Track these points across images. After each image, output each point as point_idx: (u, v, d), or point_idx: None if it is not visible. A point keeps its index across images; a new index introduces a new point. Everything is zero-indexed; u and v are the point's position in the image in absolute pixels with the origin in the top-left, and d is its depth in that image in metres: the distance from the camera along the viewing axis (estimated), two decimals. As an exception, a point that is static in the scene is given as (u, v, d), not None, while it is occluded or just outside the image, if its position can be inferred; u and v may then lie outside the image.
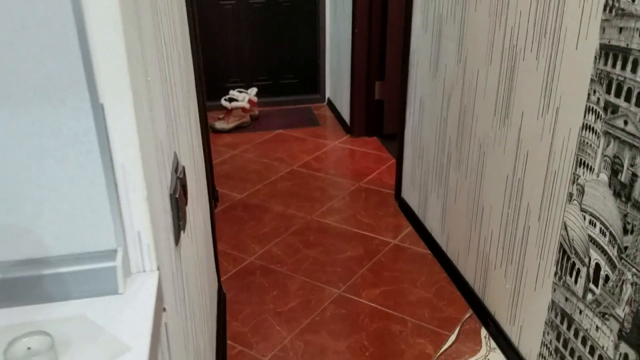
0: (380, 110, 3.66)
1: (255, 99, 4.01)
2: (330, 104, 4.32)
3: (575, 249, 1.44)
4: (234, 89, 4.01)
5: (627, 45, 1.19)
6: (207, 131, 2.75)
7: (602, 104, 1.28)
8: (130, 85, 0.55)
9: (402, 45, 2.55)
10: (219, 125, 3.84)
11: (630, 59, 1.19)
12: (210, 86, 4.21)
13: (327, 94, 4.40)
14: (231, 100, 3.91)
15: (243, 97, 3.90)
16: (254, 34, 4.11)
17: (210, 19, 3.98)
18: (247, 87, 4.23)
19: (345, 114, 3.86)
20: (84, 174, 0.57)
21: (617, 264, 1.29)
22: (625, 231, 1.25)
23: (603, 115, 1.29)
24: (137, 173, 0.58)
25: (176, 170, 0.90)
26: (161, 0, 0.95)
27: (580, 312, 1.44)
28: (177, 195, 0.82)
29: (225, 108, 3.91)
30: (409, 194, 2.70)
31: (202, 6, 3.91)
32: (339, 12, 3.79)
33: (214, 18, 3.98)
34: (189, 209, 1.21)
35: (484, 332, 1.96)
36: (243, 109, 3.91)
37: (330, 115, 4.20)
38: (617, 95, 1.24)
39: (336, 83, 4.08)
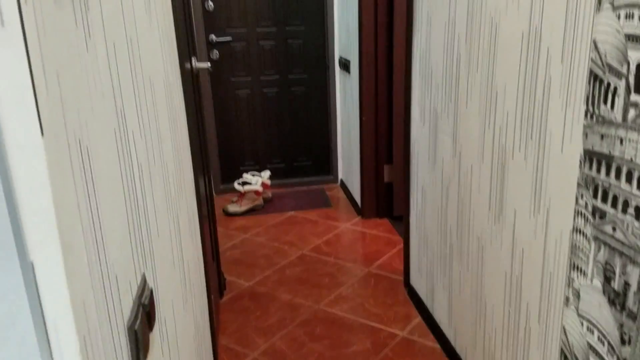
0: (390, 193, 3.66)
1: (268, 182, 4.06)
2: (343, 185, 4.35)
3: (576, 356, 1.36)
4: (247, 172, 4.08)
5: (610, 152, 1.18)
6: (214, 223, 2.78)
7: (590, 208, 1.26)
8: (60, 243, 0.56)
9: (403, 135, 2.58)
10: (232, 208, 3.88)
11: (614, 166, 1.17)
12: (226, 170, 4.30)
13: (340, 175, 4.44)
14: (244, 183, 3.97)
15: (256, 181, 3.96)
16: (268, 119, 4.23)
17: (226, 107, 4.12)
18: (261, 170, 4.30)
19: (357, 196, 3.87)
20: (15, 332, 0.57)
21: (618, 377, 1.21)
22: (623, 342, 1.19)
23: (592, 220, 1.25)
24: (69, 328, 0.58)
25: (141, 295, 0.89)
26: (133, 118, 0.99)
27: None
28: (136, 327, 0.82)
29: (238, 191, 3.96)
30: (417, 282, 2.64)
31: (219, 95, 4.07)
32: (347, 99, 3.89)
33: (230, 106, 4.13)
34: (170, 323, 1.19)
35: None
36: (256, 192, 3.96)
37: (342, 197, 4.21)
38: (604, 200, 1.21)
39: (348, 165, 4.12)
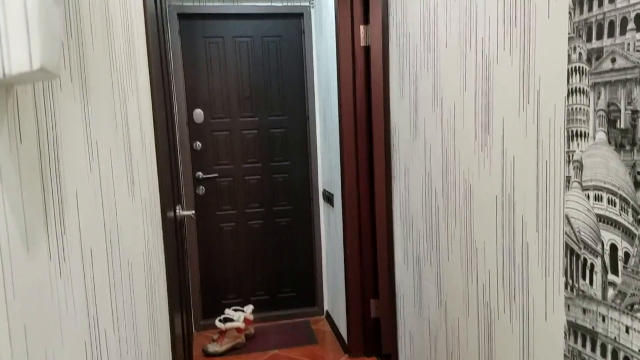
0: (378, 329, 3.55)
1: (251, 317, 3.94)
2: (329, 317, 4.23)
3: None
4: (230, 308, 3.97)
5: (593, 328, 1.16)
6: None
7: (580, 384, 1.22)
8: None
9: (387, 279, 2.56)
10: (212, 348, 3.72)
11: (599, 342, 1.15)
12: (208, 304, 4.18)
13: (326, 307, 4.33)
14: (226, 320, 3.84)
15: (238, 316, 3.83)
16: (252, 252, 4.21)
17: (211, 241, 4.11)
18: (244, 304, 4.19)
19: (343, 331, 3.75)
20: None
21: None
22: None
23: (584, 398, 1.21)
24: None
25: None
26: (106, 316, 0.96)
27: None
28: None
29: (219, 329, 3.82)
30: None
31: (203, 230, 4.07)
32: (332, 232, 3.92)
33: (215, 240, 4.12)
34: None
35: None
36: (238, 329, 3.82)
37: (328, 331, 4.08)
38: (593, 378, 1.17)
39: (333, 297, 4.04)
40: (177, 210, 2.33)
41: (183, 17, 3.77)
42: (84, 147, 0.85)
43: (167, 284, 2.03)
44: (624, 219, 1.06)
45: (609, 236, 1.11)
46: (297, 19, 3.97)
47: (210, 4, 3.76)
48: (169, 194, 2.18)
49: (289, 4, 3.90)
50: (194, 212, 2.32)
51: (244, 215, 4.14)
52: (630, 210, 1.05)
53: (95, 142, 0.92)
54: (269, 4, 3.87)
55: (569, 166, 1.21)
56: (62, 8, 0.58)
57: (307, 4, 3.93)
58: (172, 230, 2.23)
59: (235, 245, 4.16)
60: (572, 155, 1.20)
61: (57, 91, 0.72)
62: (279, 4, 3.89)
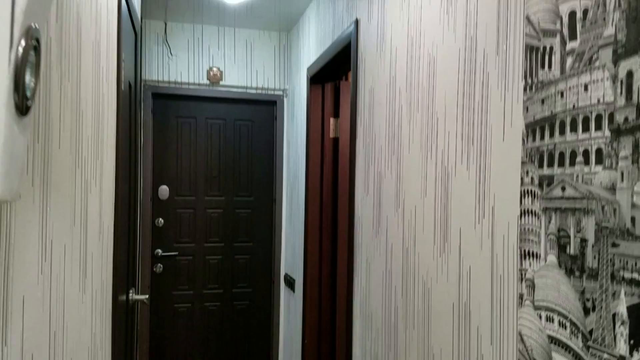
0: None
1: (200, 407, 3.74)
2: (282, 410, 4.04)
3: None
4: (178, 395, 3.77)
5: None
6: None
7: None
8: None
9: (344, 375, 2.49)
10: None
11: None
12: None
13: (280, 398, 4.15)
14: (173, 408, 3.63)
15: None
16: (206, 335, 4.06)
17: (164, 322, 3.96)
18: (193, 391, 3.98)
19: None
20: None
21: None
22: None
23: None
24: None
25: None
26: None
27: None
28: None
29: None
30: None
31: (157, 311, 3.93)
32: (291, 319, 3.84)
33: (168, 321, 3.97)
34: None
35: None
36: (185, 419, 3.60)
37: None
38: None
39: (288, 389, 3.89)
40: (130, 295, 2.26)
41: (157, 96, 3.83)
42: (37, 249, 0.83)
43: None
44: (574, 344, 1.08)
45: (560, 359, 1.12)
46: (270, 106, 4.09)
47: (186, 86, 3.85)
48: (123, 277, 2.12)
49: (263, 92, 4.03)
50: (147, 296, 2.25)
51: (201, 296, 4.03)
52: (580, 336, 1.07)
53: (50, 241, 0.90)
54: (244, 90, 3.99)
55: (521, 284, 1.24)
56: (27, 134, 0.59)
57: (280, 93, 4.06)
58: (123, 316, 2.15)
59: (190, 328, 4.02)
60: (525, 274, 1.23)
61: (14, 201, 0.71)
62: (254, 92, 4.01)
